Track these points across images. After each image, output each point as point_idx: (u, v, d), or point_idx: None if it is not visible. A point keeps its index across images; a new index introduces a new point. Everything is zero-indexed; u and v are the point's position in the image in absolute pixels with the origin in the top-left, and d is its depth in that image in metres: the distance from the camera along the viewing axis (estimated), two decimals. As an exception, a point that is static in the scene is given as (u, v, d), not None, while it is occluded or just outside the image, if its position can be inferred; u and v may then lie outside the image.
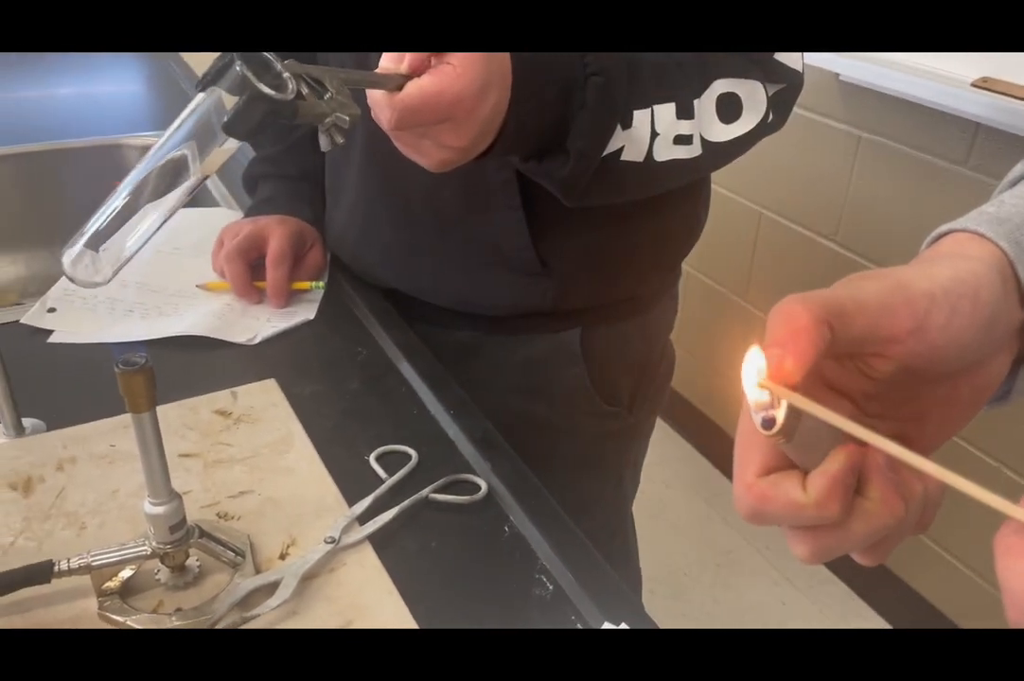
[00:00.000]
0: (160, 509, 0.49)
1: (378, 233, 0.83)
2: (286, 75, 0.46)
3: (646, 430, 0.96)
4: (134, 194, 0.48)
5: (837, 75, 1.52)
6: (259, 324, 0.82)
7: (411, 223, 0.80)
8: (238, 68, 0.44)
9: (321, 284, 0.85)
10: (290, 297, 0.85)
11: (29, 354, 0.77)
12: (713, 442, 2.10)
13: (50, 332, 0.80)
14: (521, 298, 0.80)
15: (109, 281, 0.51)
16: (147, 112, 1.45)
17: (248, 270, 0.84)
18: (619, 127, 0.61)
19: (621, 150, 0.62)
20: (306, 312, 0.84)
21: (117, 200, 0.49)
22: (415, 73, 0.51)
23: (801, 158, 1.68)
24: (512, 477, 0.63)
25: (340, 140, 0.49)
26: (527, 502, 0.61)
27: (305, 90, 0.47)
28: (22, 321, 0.81)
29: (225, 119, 0.45)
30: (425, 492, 0.61)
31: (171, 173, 0.49)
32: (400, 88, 0.50)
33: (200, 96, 0.47)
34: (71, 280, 0.49)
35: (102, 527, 0.57)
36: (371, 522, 0.58)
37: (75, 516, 0.58)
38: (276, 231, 0.85)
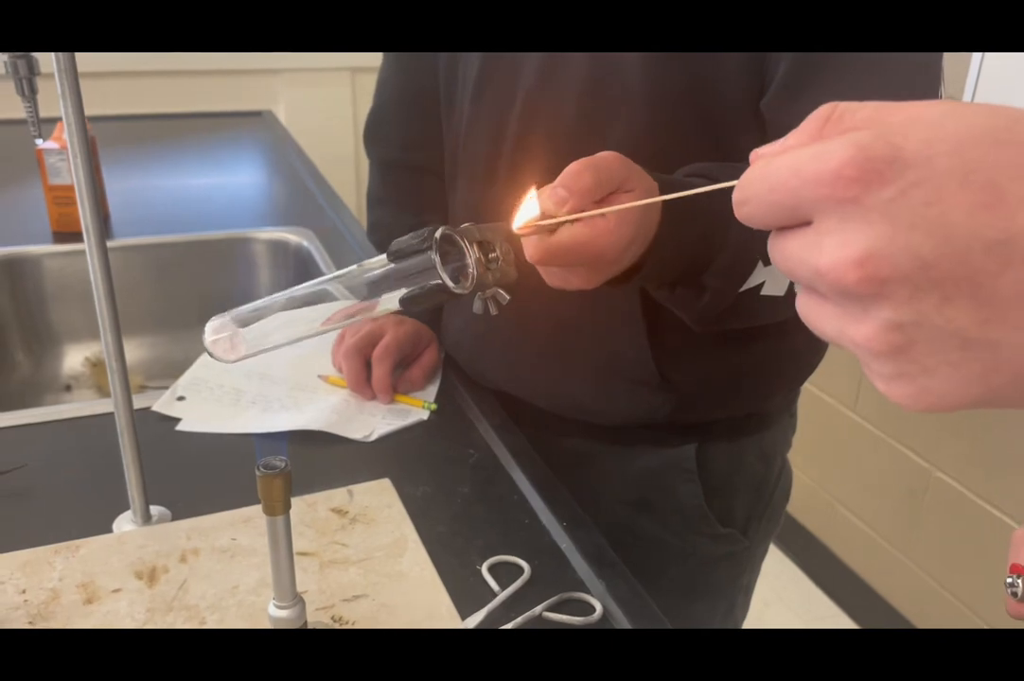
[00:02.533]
0: (285, 613, 0.49)
1: (495, 338, 0.84)
2: (471, 271, 0.48)
3: (759, 555, 0.92)
4: (298, 298, 0.50)
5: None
6: (375, 421, 0.84)
7: (529, 329, 0.81)
8: (433, 256, 0.46)
9: (433, 406, 0.86)
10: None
11: (158, 441, 0.79)
12: (817, 562, 1.99)
13: (178, 420, 0.83)
14: (636, 409, 0.79)
15: (236, 361, 0.52)
16: (272, 206, 1.54)
17: (364, 367, 0.86)
18: (760, 264, 0.61)
19: (761, 285, 0.62)
20: (420, 411, 0.86)
21: (282, 296, 0.51)
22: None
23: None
24: (628, 600, 0.61)
25: (494, 312, 0.50)
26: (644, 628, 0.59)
27: (476, 254, 0.48)
28: (153, 408, 0.84)
29: (405, 293, 0.47)
30: (538, 610, 0.59)
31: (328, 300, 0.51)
32: (553, 231, 0.52)
33: (383, 258, 0.48)
34: (206, 349, 0.51)
35: (220, 623, 0.57)
36: (484, 638, 0.56)
37: (195, 610, 0.58)
38: (392, 331, 0.87)
